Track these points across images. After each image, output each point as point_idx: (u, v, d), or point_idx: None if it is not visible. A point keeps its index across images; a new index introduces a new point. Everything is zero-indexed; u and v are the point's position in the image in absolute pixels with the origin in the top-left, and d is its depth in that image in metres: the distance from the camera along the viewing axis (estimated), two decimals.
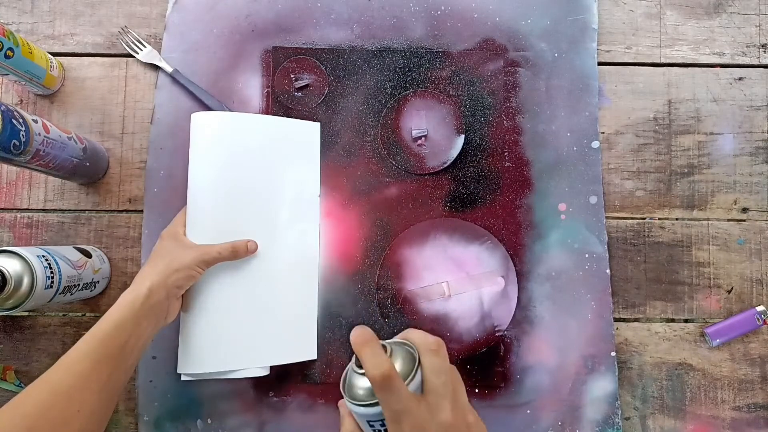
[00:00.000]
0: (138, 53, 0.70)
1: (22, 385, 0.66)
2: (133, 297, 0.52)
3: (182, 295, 0.58)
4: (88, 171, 0.66)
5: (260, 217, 0.63)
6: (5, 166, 0.69)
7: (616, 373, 0.66)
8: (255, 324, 0.61)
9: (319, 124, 0.69)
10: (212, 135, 0.61)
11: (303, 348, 0.64)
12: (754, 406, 0.67)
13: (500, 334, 0.67)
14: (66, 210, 0.69)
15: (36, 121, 0.56)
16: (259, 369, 0.60)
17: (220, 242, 0.59)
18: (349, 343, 0.38)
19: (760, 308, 0.67)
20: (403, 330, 0.42)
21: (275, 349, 0.62)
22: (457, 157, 0.69)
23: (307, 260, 0.66)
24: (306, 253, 0.66)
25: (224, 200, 0.61)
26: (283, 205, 0.65)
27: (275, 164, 0.65)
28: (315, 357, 0.65)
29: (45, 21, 0.71)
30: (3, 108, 0.52)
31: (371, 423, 0.39)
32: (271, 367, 0.62)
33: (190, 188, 0.61)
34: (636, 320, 0.69)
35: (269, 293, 0.62)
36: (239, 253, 0.59)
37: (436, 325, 0.66)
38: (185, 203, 0.61)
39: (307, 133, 0.68)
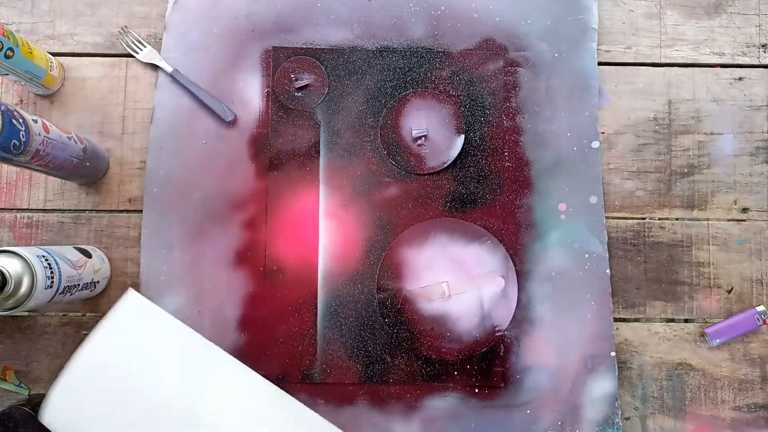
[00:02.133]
0: (138, 53, 0.70)
1: (22, 385, 0.66)
2: None
3: None
4: (88, 171, 0.66)
5: None
6: (5, 166, 0.69)
7: (616, 373, 0.66)
8: None
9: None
10: None
11: None
12: (754, 406, 0.67)
13: (500, 334, 0.67)
14: (66, 210, 0.69)
15: (36, 121, 0.56)
16: None
17: None
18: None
19: (760, 308, 0.67)
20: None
21: None
22: (457, 157, 0.69)
23: None
24: None
25: None
26: None
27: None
28: None
29: (45, 21, 0.71)
30: (3, 108, 0.51)
31: None
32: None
33: None
34: (636, 320, 0.69)
35: None
36: None
37: (436, 325, 0.66)
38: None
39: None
